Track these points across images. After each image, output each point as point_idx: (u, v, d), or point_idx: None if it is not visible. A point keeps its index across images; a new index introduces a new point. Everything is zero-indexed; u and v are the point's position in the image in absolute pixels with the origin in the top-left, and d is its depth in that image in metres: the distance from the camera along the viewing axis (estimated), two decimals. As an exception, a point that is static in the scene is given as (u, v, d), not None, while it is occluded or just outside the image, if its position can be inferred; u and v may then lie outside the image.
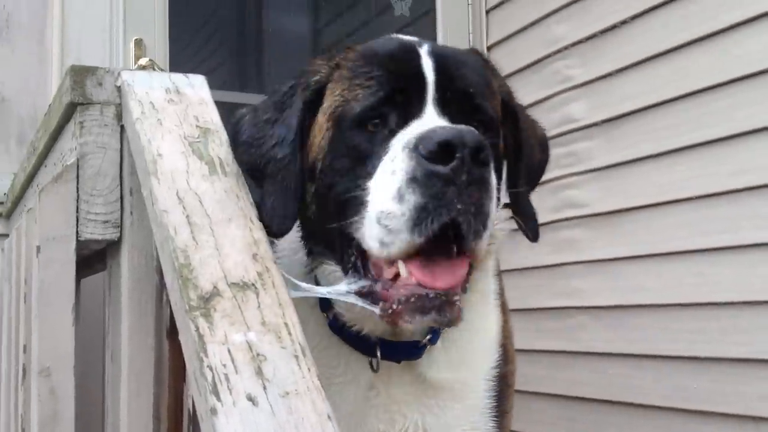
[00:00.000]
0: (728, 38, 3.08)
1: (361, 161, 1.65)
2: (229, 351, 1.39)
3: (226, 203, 1.63)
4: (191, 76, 1.92)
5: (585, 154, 3.74)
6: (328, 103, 1.76)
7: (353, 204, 1.63)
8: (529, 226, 1.96)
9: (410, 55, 1.74)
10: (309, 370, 1.41)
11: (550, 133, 3.80)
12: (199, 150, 1.72)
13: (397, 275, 1.59)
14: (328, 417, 1.35)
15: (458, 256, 1.57)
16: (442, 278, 1.54)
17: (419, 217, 1.49)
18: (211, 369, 1.35)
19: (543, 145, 2.11)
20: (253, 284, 1.51)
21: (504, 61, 4.15)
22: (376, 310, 1.60)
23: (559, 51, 3.92)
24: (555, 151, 3.87)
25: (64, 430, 1.85)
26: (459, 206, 1.49)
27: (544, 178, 3.83)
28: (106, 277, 2.02)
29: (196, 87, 1.88)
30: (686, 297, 3.22)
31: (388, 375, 1.90)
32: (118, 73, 1.87)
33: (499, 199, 1.76)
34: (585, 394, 3.71)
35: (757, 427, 2.95)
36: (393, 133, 1.65)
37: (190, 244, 1.53)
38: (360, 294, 1.65)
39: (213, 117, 1.81)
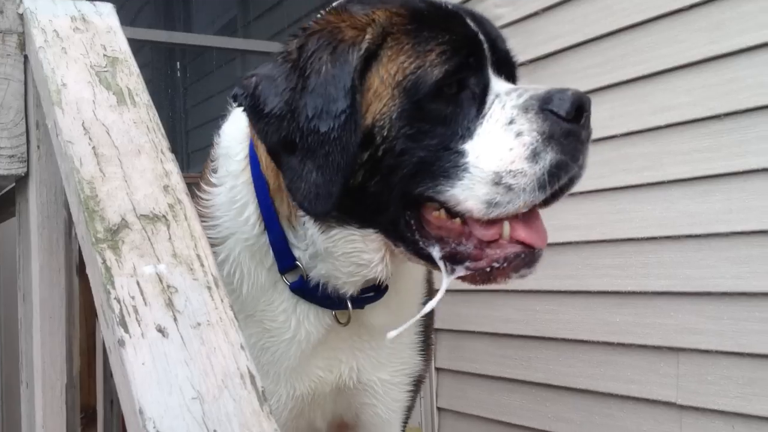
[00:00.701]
0: (653, -24, 3.10)
1: (448, 126, 1.63)
2: (138, 283, 1.36)
3: (135, 134, 1.58)
4: (99, 3, 1.84)
5: (514, 95, 3.74)
6: (392, 69, 1.64)
7: (440, 169, 1.60)
8: None
9: (460, 17, 1.72)
10: (222, 301, 1.40)
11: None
12: (106, 80, 1.66)
13: (492, 237, 1.61)
14: (241, 347, 1.35)
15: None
16: (543, 236, 1.63)
17: (553, 174, 1.55)
18: (118, 301, 1.32)
19: None
20: (164, 216, 1.48)
21: None
22: (460, 271, 1.63)
23: (488, -9, 3.90)
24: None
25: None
26: (581, 161, 1.61)
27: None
28: (16, 215, 1.95)
29: (104, 15, 1.81)
30: (610, 233, 3.28)
31: (334, 326, 1.91)
32: (20, 0, 1.79)
33: None
34: (515, 331, 3.78)
35: (676, 357, 3.05)
36: (480, 96, 1.65)
37: (96, 175, 1.48)
38: (446, 258, 1.66)
39: (122, 46, 1.75)
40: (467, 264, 1.62)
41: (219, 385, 1.28)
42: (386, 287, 1.89)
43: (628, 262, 3.23)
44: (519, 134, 1.57)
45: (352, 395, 2.02)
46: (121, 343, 1.28)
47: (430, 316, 2.13)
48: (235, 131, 1.91)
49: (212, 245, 1.74)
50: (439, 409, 4.29)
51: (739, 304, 2.84)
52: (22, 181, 1.83)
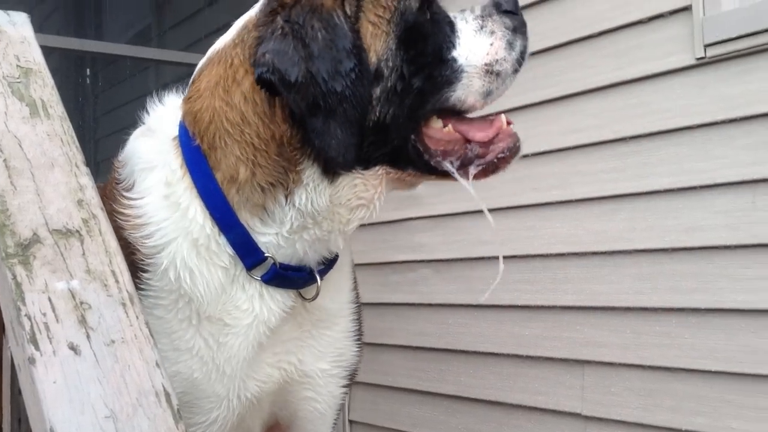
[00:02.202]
0: (565, 1, 3.22)
1: (435, 42, 1.84)
2: (49, 299, 1.34)
3: (48, 147, 1.56)
4: (13, 13, 1.80)
5: (430, 112, 3.81)
6: (378, 12, 1.82)
7: (442, 78, 1.84)
8: None
9: None
10: (137, 317, 1.39)
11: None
12: (19, 91, 1.63)
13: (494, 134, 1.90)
14: (156, 364, 1.34)
15: None
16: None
17: (522, 56, 1.90)
18: (29, 318, 1.30)
19: None
20: (77, 231, 1.45)
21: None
22: (473, 169, 1.88)
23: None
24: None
25: None
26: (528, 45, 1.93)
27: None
28: None
29: (18, 25, 1.77)
30: (520, 249, 3.38)
31: (285, 316, 1.92)
32: (-72, 7, 1.73)
33: None
34: (429, 344, 3.84)
35: (582, 370, 3.16)
36: (445, 16, 1.89)
37: (7, 188, 1.45)
38: (461, 167, 1.88)
39: (36, 57, 1.72)
40: (477, 162, 1.88)
41: (133, 403, 1.28)
42: (333, 260, 1.97)
43: (537, 278, 3.33)
44: (492, 32, 1.88)
45: (293, 390, 2.03)
46: (32, 360, 1.25)
47: (359, 308, 2.20)
48: (154, 144, 1.90)
49: (150, 254, 1.79)
50: (350, 422, 4.31)
51: (641, 319, 2.97)
52: (-75, 191, 1.76)
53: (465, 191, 3.57)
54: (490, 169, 1.90)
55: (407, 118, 1.82)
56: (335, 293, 2.04)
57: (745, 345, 2.67)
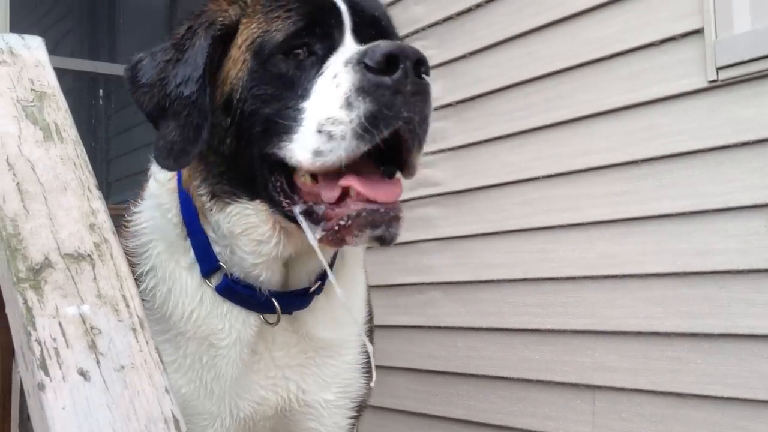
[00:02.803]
0: (577, 24, 3.23)
1: (289, 86, 1.71)
2: (60, 324, 1.33)
3: (61, 171, 1.56)
4: (27, 37, 1.81)
5: (439, 134, 3.82)
6: (244, 37, 1.79)
7: (282, 126, 1.68)
8: None
9: None
10: (147, 343, 1.38)
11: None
12: (33, 114, 1.63)
13: (340, 196, 1.64)
14: (166, 390, 1.33)
15: (392, 174, 1.68)
16: (386, 191, 1.62)
17: (368, 124, 1.55)
18: (39, 343, 1.29)
19: None
20: (89, 255, 1.45)
21: (363, 39, 4.17)
22: (317, 232, 1.65)
23: (416, 32, 3.98)
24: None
25: None
26: (405, 114, 1.56)
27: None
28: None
29: (33, 49, 1.78)
30: (531, 272, 3.36)
31: (272, 338, 1.93)
32: (-57, 31, 1.74)
33: None
34: (437, 367, 3.82)
35: (593, 395, 3.13)
36: (322, 59, 1.71)
37: (20, 212, 1.45)
38: (309, 219, 1.69)
39: (50, 80, 1.73)
40: (322, 225, 1.65)
41: (142, 430, 1.26)
42: (313, 293, 1.93)
43: (548, 301, 3.31)
44: (338, 86, 1.62)
45: (295, 420, 2.00)
46: (41, 386, 1.24)
47: (371, 336, 2.18)
48: None
49: (136, 254, 1.89)
50: (359, 444, 4.28)
51: (652, 343, 2.94)
52: (-62, 214, 1.77)
53: (475, 213, 3.58)
54: (334, 237, 1.63)
55: (255, 158, 1.74)
56: (331, 323, 2.00)
57: (757, 371, 2.64)
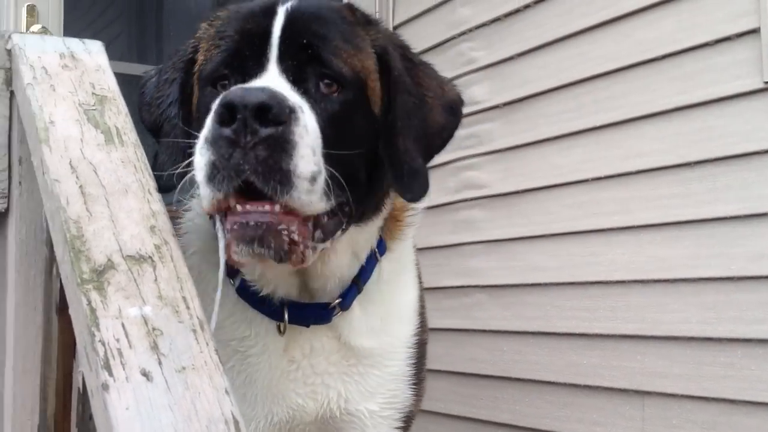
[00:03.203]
0: (627, 24, 3.19)
1: (205, 119, 1.61)
2: (123, 325, 1.35)
3: (122, 174, 1.58)
4: (88, 41, 1.84)
5: (486, 136, 3.80)
6: (198, 64, 1.82)
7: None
8: (403, 184, 1.83)
9: (266, 13, 1.73)
10: (207, 344, 1.39)
11: (452, 114, 3.90)
12: (94, 118, 1.66)
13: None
14: (226, 391, 1.34)
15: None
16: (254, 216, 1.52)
17: (212, 174, 1.50)
18: (103, 344, 1.30)
19: (450, 107, 2.00)
20: (150, 257, 1.47)
21: (409, 41, 4.16)
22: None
23: (463, 33, 3.97)
24: (456, 133, 3.92)
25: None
26: (245, 167, 1.47)
27: (445, 159, 3.93)
28: (-8, 250, 1.92)
29: (93, 53, 1.81)
30: (579, 276, 3.33)
31: (309, 344, 1.91)
32: (9, 36, 1.78)
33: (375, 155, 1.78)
34: (482, 371, 3.80)
35: (642, 401, 3.09)
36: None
37: (83, 215, 1.47)
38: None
39: (110, 84, 1.75)
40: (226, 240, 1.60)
41: (203, 430, 1.27)
42: (333, 308, 1.89)
43: (596, 305, 3.27)
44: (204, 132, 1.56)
45: (338, 428, 1.97)
46: (105, 386, 1.26)
47: (423, 348, 2.12)
48: None
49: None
50: (403, 447, 4.27)
51: (705, 349, 2.89)
52: (1, 216, 1.81)
53: (521, 216, 3.55)
54: (228, 253, 1.57)
55: None
56: (368, 332, 1.96)
57: (814, 378, 2.58)
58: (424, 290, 2.20)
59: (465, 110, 3.82)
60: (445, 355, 3.97)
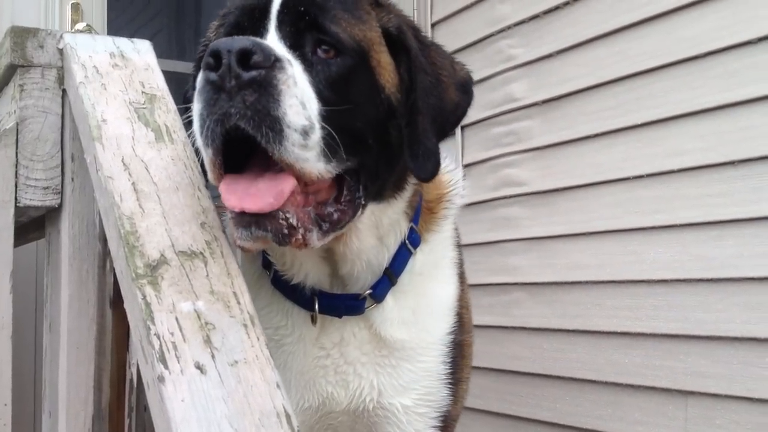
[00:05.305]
0: (669, 21, 3.15)
1: None
2: (177, 319, 1.38)
3: (172, 171, 1.61)
4: (137, 41, 1.88)
5: (525, 134, 3.78)
6: None
7: None
8: (418, 163, 1.81)
9: None
10: (258, 339, 1.41)
11: (491, 112, 3.90)
12: (145, 116, 1.69)
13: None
14: (277, 385, 1.36)
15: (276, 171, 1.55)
16: (247, 199, 1.50)
17: (200, 125, 1.50)
18: (158, 337, 1.33)
19: (462, 86, 1.99)
20: (201, 253, 1.49)
21: (448, 38, 4.17)
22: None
23: (502, 30, 3.95)
24: (495, 131, 3.90)
25: (2, 397, 1.80)
26: (232, 110, 1.46)
27: (484, 156, 3.92)
28: (45, 245, 1.97)
29: (142, 52, 1.84)
30: (620, 275, 3.30)
31: (339, 334, 1.92)
32: (61, 36, 1.82)
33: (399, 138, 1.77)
34: (521, 368, 3.78)
35: (685, 401, 3.06)
36: None
37: (136, 211, 1.50)
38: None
39: (159, 83, 1.78)
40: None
41: (256, 423, 1.30)
42: (364, 299, 1.90)
43: (638, 304, 3.25)
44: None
45: (373, 422, 1.97)
46: (161, 379, 1.29)
47: (461, 349, 2.08)
48: None
49: None
50: (441, 444, 4.27)
51: (750, 350, 2.85)
52: (54, 211, 1.85)
53: (561, 214, 3.53)
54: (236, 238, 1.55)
55: None
56: (399, 324, 1.96)
57: None
58: (467, 291, 2.18)
59: (504, 108, 3.85)
60: (485, 353, 3.96)
